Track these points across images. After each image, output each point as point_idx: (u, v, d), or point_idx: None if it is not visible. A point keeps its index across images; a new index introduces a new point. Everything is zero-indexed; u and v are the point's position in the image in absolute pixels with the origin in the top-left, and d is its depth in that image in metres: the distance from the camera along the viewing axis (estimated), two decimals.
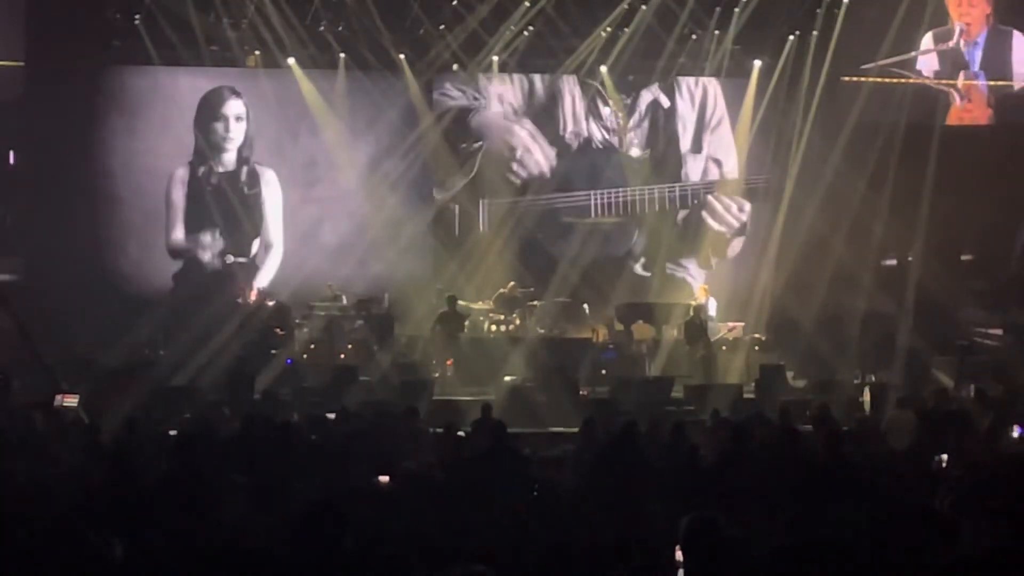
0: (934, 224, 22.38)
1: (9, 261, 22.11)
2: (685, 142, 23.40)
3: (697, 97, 23.28)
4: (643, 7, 22.65)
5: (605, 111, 23.27)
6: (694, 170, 23.46)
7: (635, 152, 23.20)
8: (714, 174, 23.47)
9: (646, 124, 23.29)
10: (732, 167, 23.53)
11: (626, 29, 22.97)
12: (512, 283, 22.07)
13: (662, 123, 23.23)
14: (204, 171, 23.25)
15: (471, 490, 9.10)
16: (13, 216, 23.35)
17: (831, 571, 6.28)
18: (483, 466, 10.23)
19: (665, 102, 23.28)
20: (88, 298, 21.30)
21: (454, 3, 22.64)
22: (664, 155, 23.30)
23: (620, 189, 23.20)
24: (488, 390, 18.40)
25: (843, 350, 20.49)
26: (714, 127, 23.44)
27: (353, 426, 13.04)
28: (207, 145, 23.28)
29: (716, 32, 23.21)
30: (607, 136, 23.28)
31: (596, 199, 23.35)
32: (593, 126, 23.32)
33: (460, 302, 21.03)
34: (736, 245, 23.93)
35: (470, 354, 20.11)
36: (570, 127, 23.35)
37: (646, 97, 23.34)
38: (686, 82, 23.56)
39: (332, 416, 13.35)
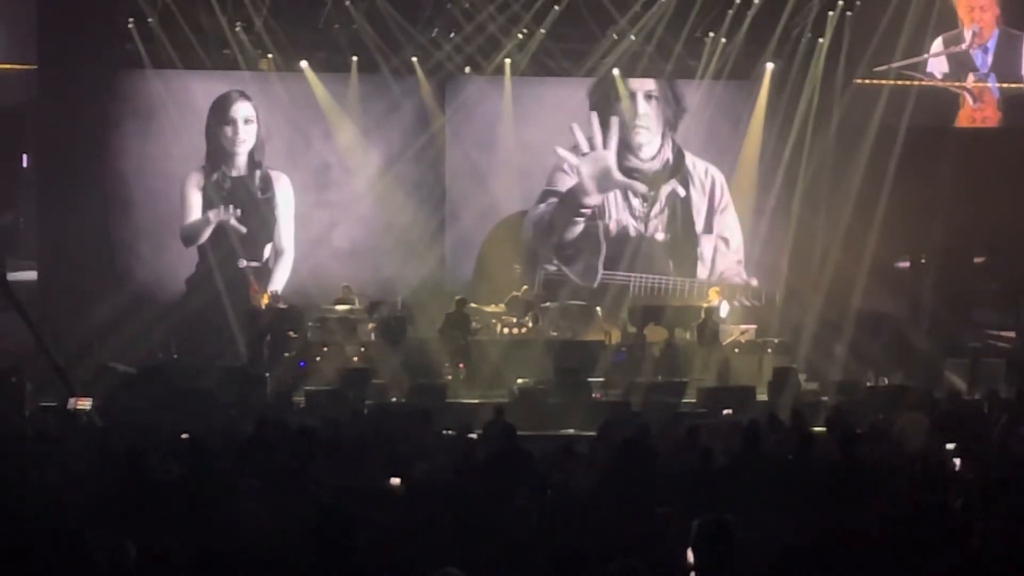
0: (947, 226, 22.29)
1: (23, 263, 22.19)
2: (699, 224, 24.36)
3: (707, 186, 24.40)
4: (653, 9, 22.66)
5: (635, 202, 24.05)
6: (707, 248, 24.36)
7: (659, 236, 24.13)
8: (723, 250, 24.32)
9: (667, 211, 24.23)
10: (738, 244, 24.32)
11: (634, 35, 23.01)
12: (526, 287, 22.09)
13: (679, 210, 24.28)
14: (217, 175, 23.21)
15: (483, 493, 9.11)
16: (27, 219, 23.42)
17: (844, 573, 6.28)
18: (495, 469, 10.23)
19: (681, 192, 24.29)
20: (101, 302, 21.34)
21: (467, 6, 22.66)
22: (683, 238, 24.27)
23: (658, 276, 23.98)
24: (501, 393, 18.41)
25: (856, 352, 20.49)
26: (722, 210, 24.40)
27: (365, 429, 13.06)
28: (218, 149, 23.27)
29: (726, 37, 23.20)
30: (635, 224, 24.00)
31: (634, 281, 23.92)
32: (626, 215, 24.12)
33: (472, 304, 21.04)
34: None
35: (482, 357, 20.13)
36: (614, 216, 24.16)
37: (666, 189, 24.25)
38: (697, 174, 24.29)
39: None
